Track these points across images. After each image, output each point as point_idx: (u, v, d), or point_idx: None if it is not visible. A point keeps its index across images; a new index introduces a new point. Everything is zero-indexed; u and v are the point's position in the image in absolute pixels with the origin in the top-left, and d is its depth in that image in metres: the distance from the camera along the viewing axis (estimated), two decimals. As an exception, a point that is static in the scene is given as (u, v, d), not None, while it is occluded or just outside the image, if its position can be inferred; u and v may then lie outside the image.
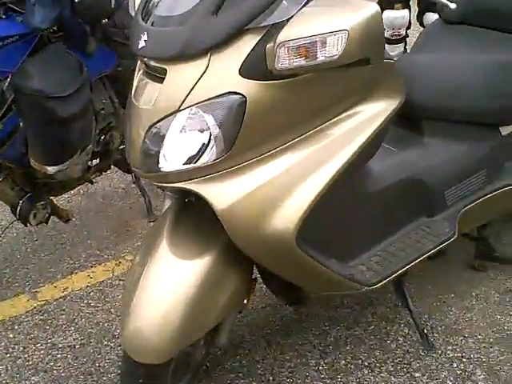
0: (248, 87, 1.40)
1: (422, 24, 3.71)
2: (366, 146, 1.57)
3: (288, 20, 1.37)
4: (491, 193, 2.09)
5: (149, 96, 1.50)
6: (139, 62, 1.59)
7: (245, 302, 1.74)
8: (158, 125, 1.46)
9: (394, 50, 3.54)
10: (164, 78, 1.45)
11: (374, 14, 1.40)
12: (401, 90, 1.66)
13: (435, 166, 1.97)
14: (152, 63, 1.50)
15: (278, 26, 1.37)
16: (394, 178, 1.87)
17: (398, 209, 1.91)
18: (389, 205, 1.87)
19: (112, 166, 2.80)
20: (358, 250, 1.84)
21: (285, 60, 1.36)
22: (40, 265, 2.66)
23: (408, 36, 3.70)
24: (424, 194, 1.95)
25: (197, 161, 1.45)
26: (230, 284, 1.63)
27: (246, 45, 1.39)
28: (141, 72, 1.57)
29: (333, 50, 1.36)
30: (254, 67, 1.40)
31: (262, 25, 1.37)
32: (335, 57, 1.37)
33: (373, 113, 1.58)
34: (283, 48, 1.35)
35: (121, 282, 2.52)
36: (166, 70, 1.44)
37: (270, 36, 1.38)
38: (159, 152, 1.47)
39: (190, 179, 1.48)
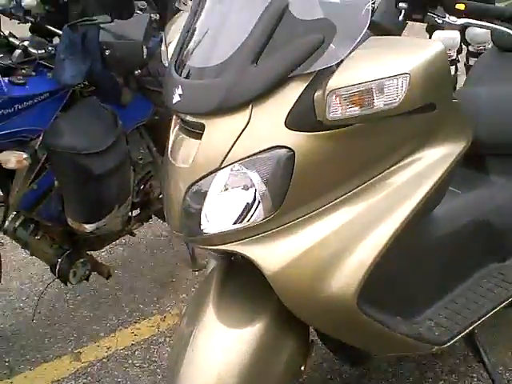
0: (296, 140, 1.26)
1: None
2: (430, 194, 1.41)
3: (338, 65, 1.22)
4: None
5: (186, 153, 1.37)
6: (174, 116, 1.48)
7: (302, 368, 1.58)
8: (197, 184, 1.34)
9: None
10: (202, 134, 1.32)
11: (439, 54, 1.23)
12: (467, 130, 1.49)
13: (504, 206, 1.80)
14: (188, 118, 1.37)
15: (327, 72, 1.23)
16: (459, 223, 1.70)
17: (465, 255, 1.74)
18: (455, 252, 1.70)
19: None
20: (423, 303, 1.67)
21: (337, 109, 1.21)
22: (82, 322, 2.56)
23: (459, 61, 3.53)
24: (494, 237, 1.78)
25: (242, 221, 1.32)
26: (285, 350, 1.48)
27: (291, 94, 1.25)
28: (177, 127, 1.45)
29: (392, 96, 1.20)
30: (302, 118, 1.25)
31: (308, 71, 1.23)
32: (395, 104, 1.21)
33: (437, 158, 1.42)
34: (334, 96, 1.20)
35: (166, 339, 2.40)
36: (203, 125, 1.32)
37: (318, 83, 1.24)
38: (200, 213, 1.34)
39: (236, 241, 1.34)
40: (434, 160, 1.42)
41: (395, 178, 1.39)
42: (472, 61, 3.54)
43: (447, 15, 1.40)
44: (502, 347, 2.12)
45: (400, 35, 1.37)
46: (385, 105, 1.21)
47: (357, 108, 1.21)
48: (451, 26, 1.40)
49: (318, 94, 1.23)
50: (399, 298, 1.58)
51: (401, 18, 1.37)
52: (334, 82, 1.21)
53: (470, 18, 1.43)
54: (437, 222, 1.63)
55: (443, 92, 1.34)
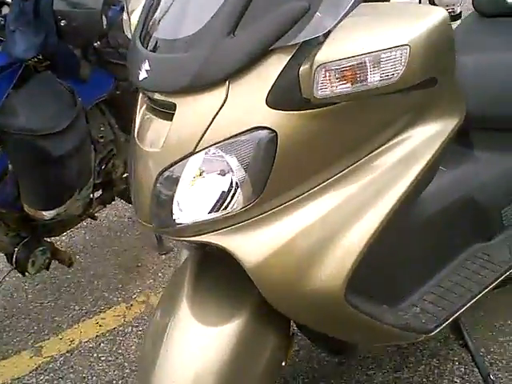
0: (278, 120, 1.13)
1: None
2: (423, 174, 1.30)
3: (326, 36, 1.09)
4: None
5: (156, 136, 1.24)
6: (141, 95, 1.33)
7: (283, 363, 1.48)
8: (169, 170, 1.21)
9: None
10: (173, 114, 1.19)
11: (442, 22, 1.10)
12: (461, 105, 1.38)
13: (489, 183, 1.71)
14: (157, 97, 1.23)
15: (313, 44, 1.10)
16: (445, 202, 1.61)
17: (450, 236, 1.65)
18: (441, 232, 1.62)
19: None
20: (409, 288, 1.58)
21: (326, 86, 1.08)
22: (43, 313, 2.42)
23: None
24: (478, 216, 1.69)
25: (218, 210, 1.19)
26: (265, 345, 1.38)
27: (272, 68, 1.11)
28: (144, 107, 1.31)
29: (389, 71, 1.07)
30: (285, 95, 1.12)
31: (292, 43, 1.10)
32: (393, 79, 1.08)
33: (430, 135, 1.31)
34: (323, 71, 1.07)
35: (134, 329, 2.28)
36: (174, 105, 1.18)
37: (304, 56, 1.10)
38: (172, 201, 1.22)
39: (212, 231, 1.23)
40: (426, 137, 1.31)
41: (385, 159, 1.28)
42: None
43: None
44: (482, 327, 2.07)
45: (388, 0, 1.24)
46: (380, 81, 1.08)
47: (348, 84, 1.08)
48: None
49: (303, 68, 1.10)
50: (386, 285, 1.49)
51: None
52: (322, 55, 1.08)
53: None
54: (424, 203, 1.53)
55: (446, 65, 1.22)
